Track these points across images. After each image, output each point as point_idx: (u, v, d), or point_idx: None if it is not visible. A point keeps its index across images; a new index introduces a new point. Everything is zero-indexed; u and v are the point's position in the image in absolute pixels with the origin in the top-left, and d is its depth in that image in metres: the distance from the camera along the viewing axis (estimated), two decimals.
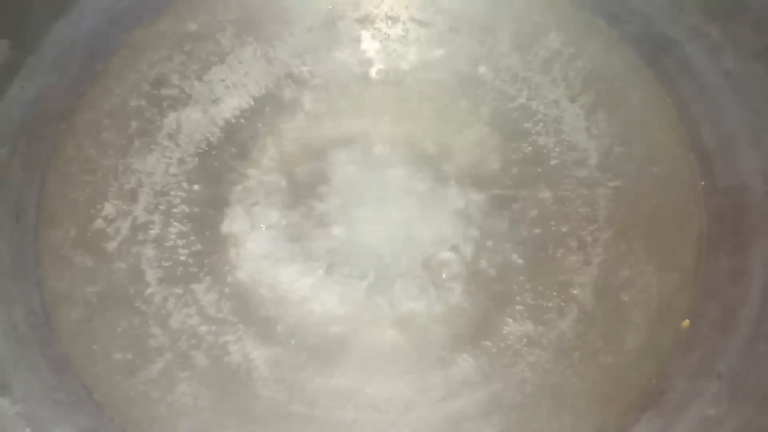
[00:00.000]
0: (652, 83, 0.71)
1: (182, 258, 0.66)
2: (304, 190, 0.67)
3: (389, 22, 0.73)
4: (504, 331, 0.64)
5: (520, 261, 0.66)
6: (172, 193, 0.67)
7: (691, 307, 0.65)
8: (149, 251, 0.66)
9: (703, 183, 0.68)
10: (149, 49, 0.71)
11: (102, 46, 0.70)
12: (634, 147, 0.69)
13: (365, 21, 0.72)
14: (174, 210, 0.67)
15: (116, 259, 0.65)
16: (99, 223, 0.66)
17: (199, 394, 0.62)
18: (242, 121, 0.69)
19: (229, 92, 0.70)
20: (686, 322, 0.65)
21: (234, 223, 0.67)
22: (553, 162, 0.69)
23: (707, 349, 0.62)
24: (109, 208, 0.66)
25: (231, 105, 0.70)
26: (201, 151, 0.68)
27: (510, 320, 0.65)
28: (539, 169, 0.68)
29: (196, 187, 0.67)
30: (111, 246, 0.65)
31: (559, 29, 0.72)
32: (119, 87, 0.70)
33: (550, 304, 0.65)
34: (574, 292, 0.65)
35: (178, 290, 0.65)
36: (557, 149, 0.69)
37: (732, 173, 0.66)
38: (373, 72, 0.71)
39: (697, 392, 0.61)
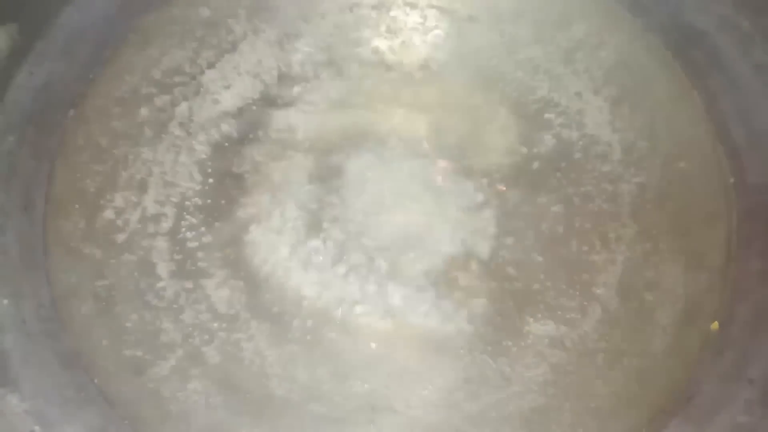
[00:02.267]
0: (679, 76, 0.69)
1: (194, 251, 0.64)
2: (318, 182, 0.66)
3: (407, 8, 0.71)
4: (524, 331, 0.63)
5: (541, 258, 0.64)
6: (183, 183, 0.66)
7: (721, 309, 0.63)
8: (160, 244, 0.64)
9: (732, 180, 0.66)
10: (160, 36, 0.69)
11: (112, 32, 0.69)
12: (660, 142, 0.67)
13: (382, 7, 0.71)
14: (185, 201, 0.65)
15: (126, 251, 0.64)
16: (108, 214, 0.65)
17: (212, 392, 0.61)
18: (255, 109, 0.68)
19: (242, 80, 0.69)
20: (715, 325, 0.63)
21: (246, 215, 0.65)
22: (575, 156, 0.67)
23: (738, 353, 0.61)
24: (118, 199, 0.65)
25: (244, 93, 0.68)
26: (213, 140, 0.67)
27: (531, 320, 0.63)
28: (562, 164, 0.67)
29: (208, 178, 0.66)
30: (121, 238, 0.64)
31: (582, 19, 0.70)
32: (129, 74, 0.68)
33: (572, 304, 0.63)
34: (598, 291, 0.64)
35: (189, 285, 0.63)
36: (580, 143, 0.67)
37: (763, 170, 0.64)
38: (389, 60, 0.69)
39: (728, 398, 0.59)
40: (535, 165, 0.67)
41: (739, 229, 0.65)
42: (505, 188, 0.66)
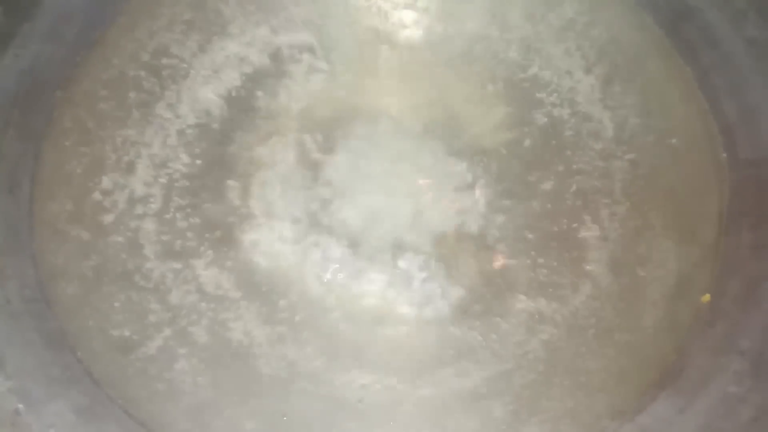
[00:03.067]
0: (671, 52, 0.69)
1: (182, 232, 0.64)
2: (308, 162, 0.66)
3: None
4: (516, 308, 0.63)
5: (532, 236, 0.64)
6: (172, 165, 0.65)
7: (712, 283, 0.63)
8: (148, 225, 0.64)
9: (724, 155, 0.66)
10: (148, 18, 0.69)
11: (99, 14, 0.68)
12: (652, 118, 0.67)
13: None
14: (174, 183, 0.65)
15: (113, 232, 0.63)
16: (96, 196, 0.64)
17: (199, 372, 0.61)
18: (244, 92, 0.67)
19: (231, 62, 0.68)
20: (706, 297, 0.63)
21: (235, 196, 0.65)
22: (567, 134, 0.67)
23: (728, 326, 0.60)
24: (106, 181, 0.65)
25: (233, 75, 0.68)
26: (202, 122, 0.67)
27: (522, 297, 0.63)
28: (553, 142, 0.66)
29: (196, 159, 0.66)
30: (108, 219, 0.64)
31: None
32: (117, 57, 0.68)
33: (563, 281, 0.63)
34: (589, 267, 0.63)
35: (178, 265, 0.63)
36: (572, 121, 0.67)
37: (755, 145, 0.64)
38: (379, 41, 0.69)
39: (719, 369, 0.59)
40: (527, 143, 0.66)
41: (730, 204, 0.64)
42: (496, 167, 0.65)
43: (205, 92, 0.67)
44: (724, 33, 0.66)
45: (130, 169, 0.65)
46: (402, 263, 0.64)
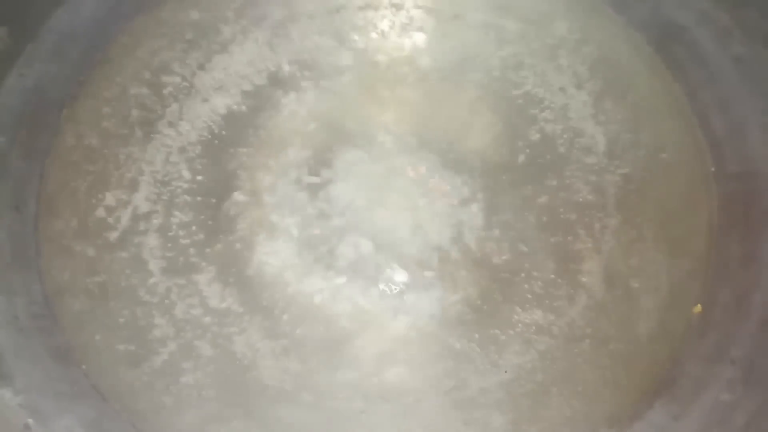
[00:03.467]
0: (660, 69, 0.70)
1: (185, 248, 0.65)
2: (308, 178, 0.67)
3: (393, 9, 0.72)
4: (512, 320, 0.64)
5: (527, 249, 0.65)
6: (174, 182, 0.66)
7: (703, 293, 0.64)
8: (152, 241, 0.65)
9: (713, 169, 0.67)
10: (150, 38, 0.70)
11: (102, 34, 0.70)
12: (643, 134, 0.68)
13: (368, 9, 0.72)
14: (176, 199, 0.66)
15: (118, 248, 0.64)
16: (100, 212, 0.65)
17: (205, 385, 0.62)
18: (244, 109, 0.68)
19: (232, 81, 0.69)
20: (698, 308, 0.64)
21: (237, 211, 0.66)
22: (560, 149, 0.68)
23: (720, 335, 0.62)
24: (110, 198, 0.66)
25: (233, 93, 0.69)
26: (203, 139, 0.68)
27: (518, 309, 0.64)
28: (547, 157, 0.68)
29: (198, 176, 0.67)
30: (113, 236, 0.65)
31: (566, 16, 0.71)
32: (120, 75, 0.69)
33: (559, 292, 0.64)
34: (584, 279, 0.65)
35: (182, 280, 0.64)
36: (564, 136, 0.68)
37: (742, 159, 0.66)
38: (376, 60, 0.70)
39: (711, 378, 0.60)
40: (521, 159, 0.68)
41: (719, 216, 0.66)
42: (491, 181, 0.67)
43: (206, 110, 0.68)
44: (711, 51, 0.68)
45: (134, 185, 0.66)
46: (400, 277, 0.65)
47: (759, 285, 0.61)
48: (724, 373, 0.60)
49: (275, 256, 0.65)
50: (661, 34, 0.70)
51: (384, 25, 0.71)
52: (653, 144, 0.68)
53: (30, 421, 0.58)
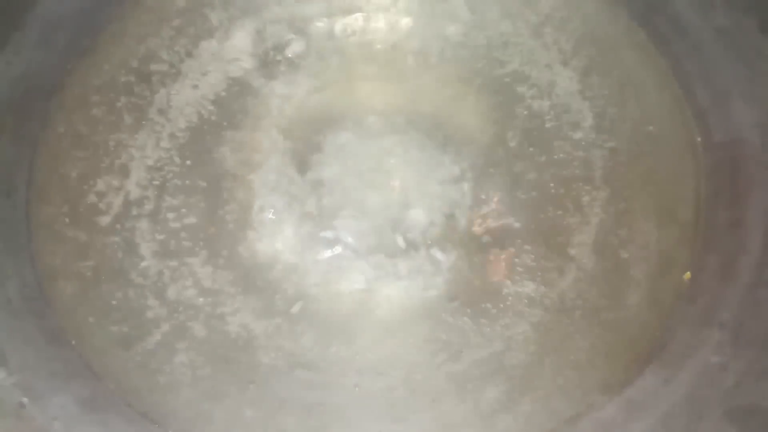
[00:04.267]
0: (644, 43, 0.71)
1: (177, 232, 0.65)
2: (297, 160, 0.67)
3: None
4: (504, 293, 0.64)
5: (518, 224, 0.66)
6: (165, 167, 0.67)
7: (692, 260, 0.65)
8: (143, 225, 0.65)
9: (699, 139, 0.68)
10: (137, 25, 0.70)
11: (89, 22, 0.69)
12: (629, 107, 0.69)
13: None
14: (167, 184, 0.66)
15: (110, 233, 0.64)
16: (91, 198, 0.65)
17: (198, 364, 0.62)
18: (233, 94, 0.69)
19: (219, 66, 0.69)
20: (687, 275, 0.65)
21: (227, 195, 0.66)
22: (548, 125, 0.68)
23: (709, 300, 0.62)
24: (101, 184, 0.66)
25: (221, 79, 0.69)
26: (192, 125, 0.68)
27: (509, 282, 0.64)
28: (534, 133, 0.68)
29: (188, 161, 0.67)
30: (104, 221, 0.65)
31: None
32: (107, 63, 0.69)
33: (550, 265, 0.65)
34: (573, 252, 0.65)
35: (174, 263, 0.64)
36: (552, 113, 0.69)
37: (727, 128, 0.66)
38: (363, 40, 0.70)
39: (701, 342, 0.61)
40: (509, 135, 0.68)
41: (706, 185, 0.66)
42: (480, 159, 0.67)
43: (195, 95, 0.69)
44: (694, 22, 0.68)
45: (124, 171, 0.66)
46: (392, 255, 0.65)
47: (746, 249, 0.62)
48: (713, 337, 0.60)
49: (267, 237, 0.65)
50: (643, 7, 0.70)
51: (370, 7, 0.71)
52: (640, 117, 0.69)
53: (24, 399, 0.59)
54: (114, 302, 0.63)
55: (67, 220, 0.65)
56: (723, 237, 0.64)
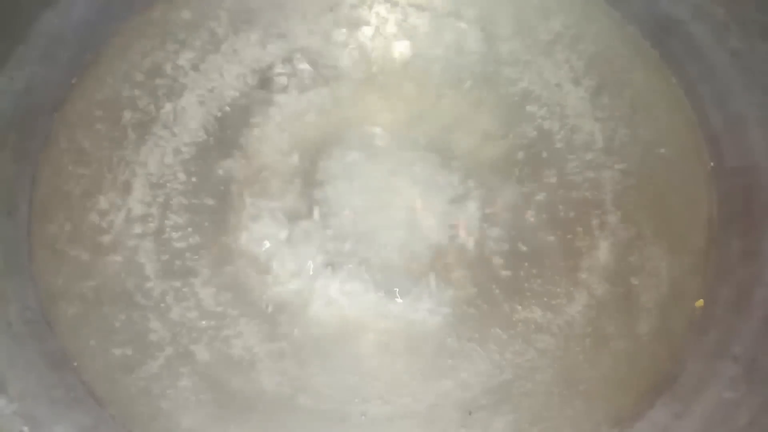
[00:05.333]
0: (657, 64, 0.70)
1: (181, 251, 0.64)
2: (303, 178, 0.66)
3: (388, 6, 0.71)
4: (513, 319, 0.63)
5: (526, 248, 0.65)
6: (169, 184, 0.66)
7: (704, 290, 0.64)
8: (146, 244, 0.64)
9: (712, 164, 0.67)
10: (141, 39, 0.69)
11: (93, 36, 0.69)
12: (640, 129, 0.68)
13: (362, 6, 0.71)
14: (171, 201, 0.65)
15: (112, 252, 0.64)
16: (94, 216, 0.64)
17: (202, 389, 0.61)
18: (239, 109, 0.68)
19: (225, 81, 0.69)
20: (700, 302, 0.64)
21: (232, 213, 0.65)
22: (557, 146, 0.68)
23: (722, 332, 0.61)
24: (103, 201, 0.65)
25: (227, 94, 0.68)
26: (197, 140, 0.67)
27: (518, 307, 0.64)
28: (544, 154, 0.67)
29: (192, 177, 0.66)
30: (107, 239, 0.64)
31: (561, 11, 0.71)
32: (111, 77, 0.68)
33: (559, 290, 0.64)
34: (583, 277, 0.64)
35: (177, 283, 0.63)
36: (562, 133, 0.68)
37: (741, 153, 0.65)
38: (371, 58, 0.70)
39: (713, 375, 0.60)
40: (519, 156, 0.67)
41: (719, 212, 0.66)
42: (489, 179, 0.66)
43: (200, 111, 0.68)
44: (708, 45, 0.68)
45: (127, 188, 0.65)
46: (399, 277, 0.64)
47: (760, 280, 0.61)
48: (726, 371, 0.59)
49: (272, 257, 0.64)
50: (656, 28, 0.70)
51: (378, 22, 0.71)
52: (651, 139, 0.68)
53: (25, 429, 0.58)
54: (117, 324, 0.62)
55: (69, 239, 0.64)
56: (736, 267, 0.63)
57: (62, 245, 0.64)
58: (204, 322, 0.63)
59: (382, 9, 0.71)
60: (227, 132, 0.67)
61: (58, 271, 0.63)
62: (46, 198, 0.65)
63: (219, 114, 0.68)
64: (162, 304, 0.63)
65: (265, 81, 0.69)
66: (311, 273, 0.64)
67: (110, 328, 0.62)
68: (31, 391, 0.59)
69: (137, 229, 0.64)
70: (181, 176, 0.66)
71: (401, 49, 0.70)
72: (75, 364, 0.61)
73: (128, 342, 0.62)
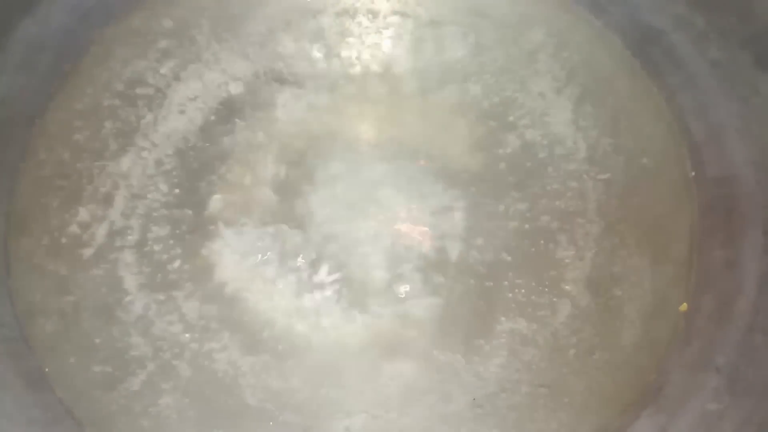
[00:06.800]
0: (639, 73, 0.70)
1: (163, 263, 0.63)
2: (286, 189, 0.66)
3: (370, 15, 0.71)
4: (497, 330, 0.63)
5: (510, 258, 0.65)
6: (150, 195, 0.65)
7: (686, 300, 0.64)
8: (128, 257, 0.63)
9: (693, 174, 0.68)
10: (122, 47, 0.69)
11: (72, 45, 0.68)
12: (623, 138, 0.68)
13: (345, 15, 0.71)
14: (153, 213, 0.64)
15: (93, 266, 0.63)
16: (73, 229, 0.63)
17: (184, 406, 0.60)
18: (221, 119, 0.67)
19: (207, 90, 0.68)
20: (684, 306, 0.64)
21: (215, 225, 0.64)
22: (540, 155, 0.68)
23: (705, 342, 0.62)
24: (84, 213, 0.64)
25: (209, 103, 0.68)
26: (179, 150, 0.66)
27: (502, 318, 0.63)
28: (527, 164, 0.67)
29: (175, 189, 0.65)
30: (87, 253, 0.63)
31: (544, 20, 0.71)
32: (91, 87, 0.67)
33: (542, 301, 0.64)
34: (567, 287, 0.64)
35: (160, 297, 0.62)
36: (545, 142, 0.68)
37: (722, 163, 0.66)
38: (354, 66, 0.69)
39: (697, 387, 0.60)
40: (501, 166, 0.67)
41: (701, 221, 0.66)
42: (472, 189, 0.66)
43: (182, 121, 0.67)
44: (689, 55, 0.68)
45: (108, 200, 0.64)
46: (382, 290, 0.64)
47: (742, 291, 0.61)
48: (709, 382, 0.60)
49: (255, 270, 0.64)
50: (638, 38, 0.70)
51: (361, 32, 0.70)
52: (634, 149, 0.68)
53: None
54: (97, 340, 0.61)
55: (47, 252, 0.63)
56: (718, 277, 0.63)
57: (40, 259, 0.63)
58: (187, 336, 0.62)
59: (364, 18, 0.71)
60: (209, 142, 0.66)
61: (36, 287, 0.62)
62: (24, 211, 0.64)
63: (201, 123, 0.67)
64: (144, 319, 0.62)
65: (247, 90, 0.68)
66: (294, 286, 0.63)
67: (90, 344, 0.61)
68: (7, 411, 0.58)
69: (118, 241, 0.63)
70: (163, 187, 0.65)
71: (384, 58, 0.70)
72: (53, 385, 0.60)
73: (108, 359, 0.61)
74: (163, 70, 0.68)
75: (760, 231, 0.61)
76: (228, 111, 0.67)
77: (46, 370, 0.60)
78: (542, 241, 0.65)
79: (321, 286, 0.63)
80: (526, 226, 0.66)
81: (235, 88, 0.68)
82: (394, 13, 0.71)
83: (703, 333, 0.62)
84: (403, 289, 0.64)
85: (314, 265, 0.64)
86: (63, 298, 0.62)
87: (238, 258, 0.64)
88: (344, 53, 0.70)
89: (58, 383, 0.60)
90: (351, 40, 0.70)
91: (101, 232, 0.64)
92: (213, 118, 0.67)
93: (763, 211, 0.61)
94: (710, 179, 0.66)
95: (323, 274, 0.64)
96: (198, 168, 0.66)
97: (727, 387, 0.58)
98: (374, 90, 0.69)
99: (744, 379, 0.58)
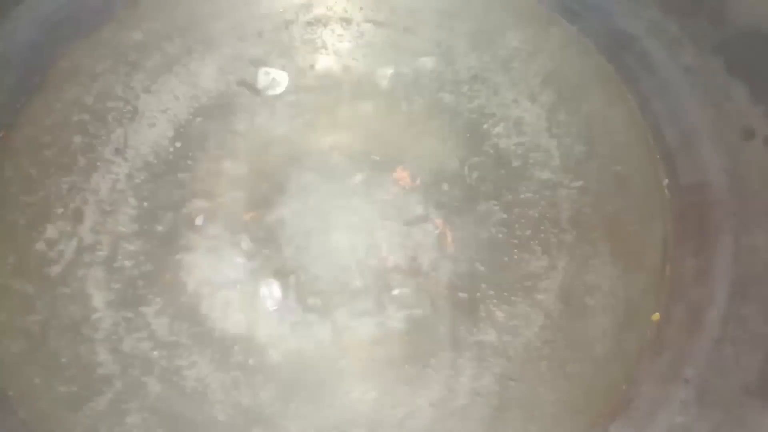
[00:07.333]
0: (613, 80, 0.70)
1: (132, 279, 0.63)
2: (259, 202, 0.65)
3: (343, 24, 0.70)
4: (468, 341, 0.63)
5: (483, 268, 0.64)
6: (121, 210, 0.64)
7: (658, 310, 0.64)
8: (97, 273, 0.63)
9: (666, 181, 0.67)
10: (91, 60, 0.68)
11: (39, 59, 0.67)
12: (597, 146, 0.68)
13: (318, 24, 0.70)
14: (122, 229, 0.64)
15: (60, 284, 0.62)
16: (40, 246, 0.63)
17: (152, 424, 0.60)
18: (192, 132, 0.67)
19: (178, 103, 0.67)
20: (656, 315, 0.64)
21: (185, 240, 0.64)
22: (514, 164, 0.67)
23: (675, 353, 0.61)
24: (51, 231, 0.63)
25: (180, 116, 0.67)
26: (150, 164, 0.66)
27: (474, 330, 0.63)
28: (501, 172, 0.67)
29: (145, 203, 0.65)
30: (54, 270, 0.62)
31: (518, 27, 0.71)
32: (59, 102, 0.67)
33: (515, 311, 0.63)
34: (540, 297, 0.64)
35: (129, 314, 0.62)
36: (519, 151, 0.68)
37: (694, 170, 0.65)
38: (326, 76, 0.69)
39: (666, 399, 0.60)
40: (475, 175, 0.67)
41: (674, 229, 0.66)
42: (446, 199, 0.66)
43: (153, 134, 0.67)
44: (662, 60, 0.68)
45: (77, 216, 0.64)
46: (353, 302, 0.63)
47: (713, 301, 0.61)
48: (678, 394, 0.59)
49: (226, 285, 0.63)
50: (612, 43, 0.70)
51: (334, 40, 0.70)
52: (607, 156, 0.68)
53: None
54: (63, 360, 0.60)
55: (13, 271, 0.62)
56: (690, 287, 0.63)
57: (5, 278, 0.62)
58: (156, 353, 0.61)
59: (337, 26, 0.70)
60: (180, 155, 0.66)
61: (1, 306, 0.61)
62: None
63: (172, 136, 0.66)
64: (113, 336, 0.61)
65: (219, 102, 0.67)
66: (267, 300, 0.63)
67: (56, 364, 0.60)
68: None
69: (87, 258, 0.63)
70: (133, 201, 0.65)
71: (357, 67, 0.69)
72: (16, 408, 0.59)
73: (75, 378, 0.60)
74: (133, 83, 0.68)
75: (731, 238, 0.61)
76: (199, 123, 0.67)
77: (10, 393, 0.59)
78: (516, 251, 0.65)
79: (292, 300, 0.63)
80: (500, 235, 0.65)
81: (207, 100, 0.68)
82: (367, 20, 0.70)
83: (673, 343, 0.61)
84: (376, 301, 0.63)
85: (286, 278, 0.63)
86: (29, 317, 0.61)
87: (209, 273, 0.63)
88: (317, 63, 0.69)
89: (22, 404, 0.60)
90: (323, 49, 0.70)
91: (70, 249, 0.63)
92: (184, 130, 0.67)
93: (734, 218, 0.61)
94: (683, 186, 0.66)
95: (295, 287, 0.63)
96: (169, 181, 0.65)
97: (695, 399, 0.58)
98: (348, 100, 0.68)
99: (712, 392, 0.58)
